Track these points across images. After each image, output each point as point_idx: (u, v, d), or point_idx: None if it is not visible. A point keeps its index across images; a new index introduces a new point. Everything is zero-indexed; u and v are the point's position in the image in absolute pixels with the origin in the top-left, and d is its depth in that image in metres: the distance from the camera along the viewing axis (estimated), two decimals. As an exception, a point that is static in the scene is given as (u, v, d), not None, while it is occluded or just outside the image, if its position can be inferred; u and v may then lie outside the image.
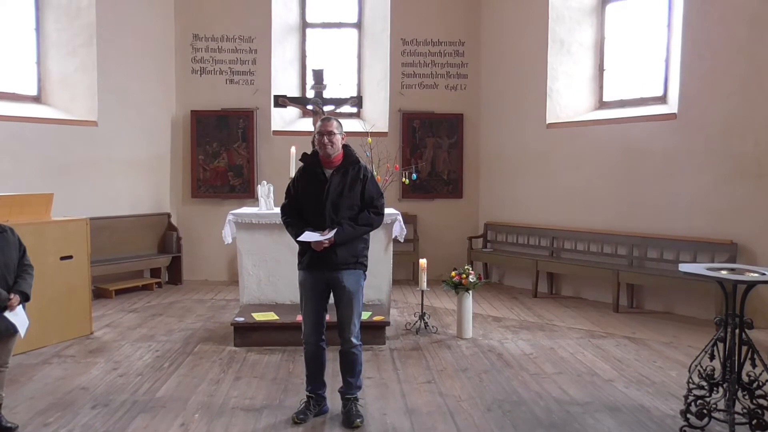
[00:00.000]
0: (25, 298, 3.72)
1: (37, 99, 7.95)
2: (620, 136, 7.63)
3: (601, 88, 8.34)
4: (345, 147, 4.00)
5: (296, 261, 4.04)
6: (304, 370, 4.07)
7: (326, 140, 3.88)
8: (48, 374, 4.78)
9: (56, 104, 8.00)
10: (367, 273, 4.09)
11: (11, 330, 3.65)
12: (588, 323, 6.61)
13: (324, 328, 4.04)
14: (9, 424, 3.74)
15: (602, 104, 8.32)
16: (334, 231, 3.82)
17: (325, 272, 3.90)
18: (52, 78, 8.02)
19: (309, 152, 4.12)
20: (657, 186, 7.27)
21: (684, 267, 3.87)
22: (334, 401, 4.09)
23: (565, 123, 8.31)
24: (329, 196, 3.88)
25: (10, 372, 4.23)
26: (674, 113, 7.15)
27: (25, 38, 7.85)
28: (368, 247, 4.08)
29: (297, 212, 4.01)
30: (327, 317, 4.06)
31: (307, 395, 4.02)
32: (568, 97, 8.39)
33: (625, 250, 7.53)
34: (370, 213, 3.97)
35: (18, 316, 3.66)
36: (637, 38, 7.95)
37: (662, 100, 7.57)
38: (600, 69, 8.33)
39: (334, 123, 3.94)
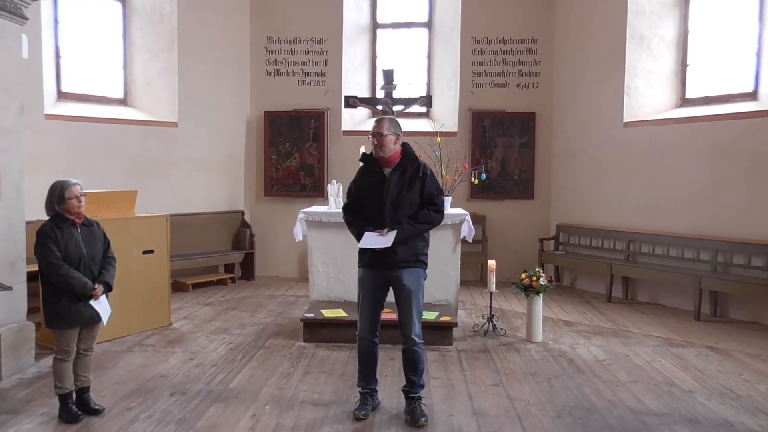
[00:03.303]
0: (108, 288, 3.98)
1: (123, 101, 8.42)
2: (704, 135, 7.24)
3: (683, 84, 7.93)
4: (404, 145, 3.97)
5: None
6: (357, 366, 4.10)
7: (375, 141, 3.89)
8: (131, 362, 5.05)
9: (140, 106, 8.44)
10: (427, 272, 4.05)
11: (95, 317, 3.91)
12: (666, 331, 6.31)
13: (379, 326, 4.05)
14: (97, 407, 3.99)
15: (685, 101, 7.91)
16: (395, 232, 3.82)
17: (385, 271, 3.91)
18: (137, 81, 8.47)
19: (368, 152, 4.11)
20: (745, 188, 6.84)
21: (775, 274, 3.62)
22: (393, 398, 4.10)
23: (643, 121, 7.97)
24: (389, 194, 3.88)
25: (98, 358, 4.51)
26: (766, 110, 6.71)
27: (114, 44, 8.34)
28: (428, 246, 4.05)
29: (358, 212, 4.02)
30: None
31: (360, 391, 4.05)
32: (647, 95, 8.04)
33: (708, 255, 7.13)
34: (429, 211, 3.93)
35: (101, 305, 3.92)
36: (724, 31, 7.49)
37: (752, 96, 7.10)
38: (683, 64, 7.93)
39: (386, 124, 3.90)
